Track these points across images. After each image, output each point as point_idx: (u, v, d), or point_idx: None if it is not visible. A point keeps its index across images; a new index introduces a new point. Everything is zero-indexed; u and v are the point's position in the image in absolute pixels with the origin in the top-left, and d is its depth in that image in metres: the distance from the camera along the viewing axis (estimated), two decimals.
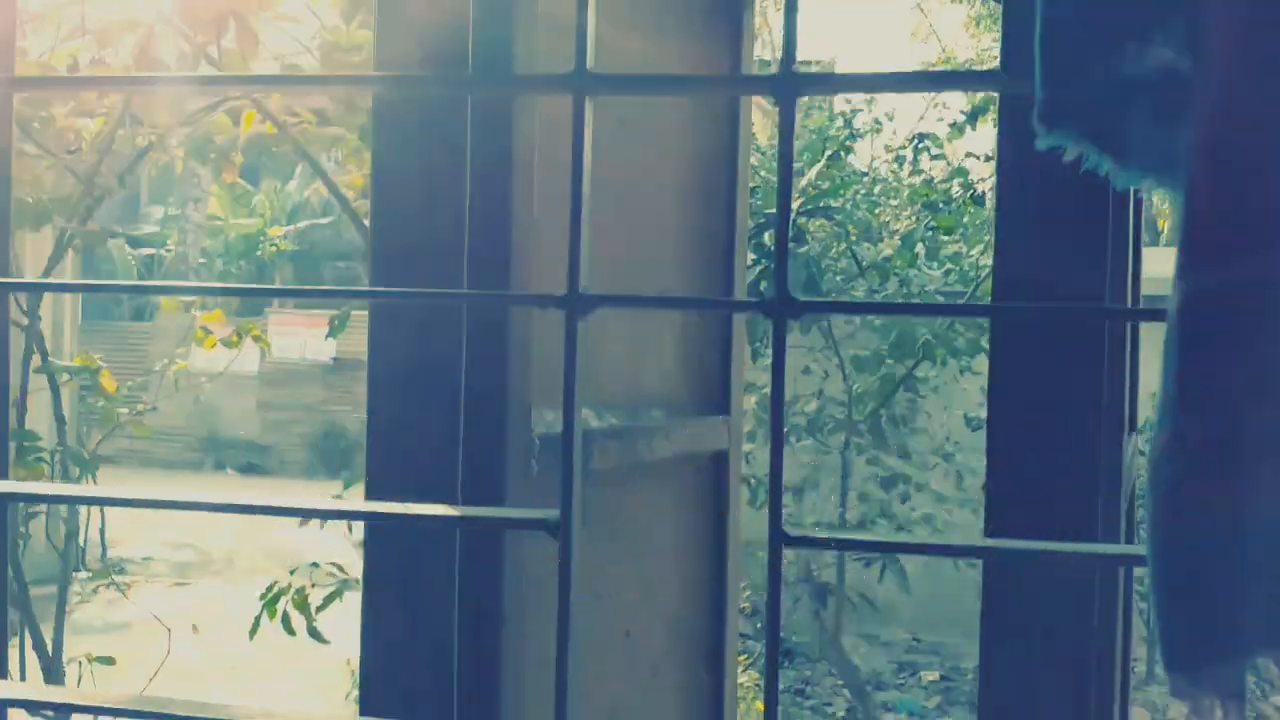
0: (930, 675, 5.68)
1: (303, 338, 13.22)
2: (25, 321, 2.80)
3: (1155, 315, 0.81)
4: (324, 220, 15.94)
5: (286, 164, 17.28)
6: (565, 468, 0.67)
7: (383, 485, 1.06)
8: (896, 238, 4.15)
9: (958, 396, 5.00)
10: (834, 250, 4.25)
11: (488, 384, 0.93)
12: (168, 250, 15.33)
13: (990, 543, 0.81)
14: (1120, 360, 1.16)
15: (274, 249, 16.26)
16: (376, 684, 1.12)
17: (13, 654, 3.01)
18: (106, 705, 0.73)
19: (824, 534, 4.25)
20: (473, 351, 0.91)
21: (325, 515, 0.73)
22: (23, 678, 2.95)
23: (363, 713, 1.19)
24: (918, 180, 4.12)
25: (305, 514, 0.67)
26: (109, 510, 3.78)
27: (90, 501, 0.73)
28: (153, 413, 3.39)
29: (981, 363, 4.73)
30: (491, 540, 1.03)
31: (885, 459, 4.03)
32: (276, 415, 13.78)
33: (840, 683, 5.54)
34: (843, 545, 0.65)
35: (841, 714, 5.04)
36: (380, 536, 1.09)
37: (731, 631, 1.56)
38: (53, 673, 3.21)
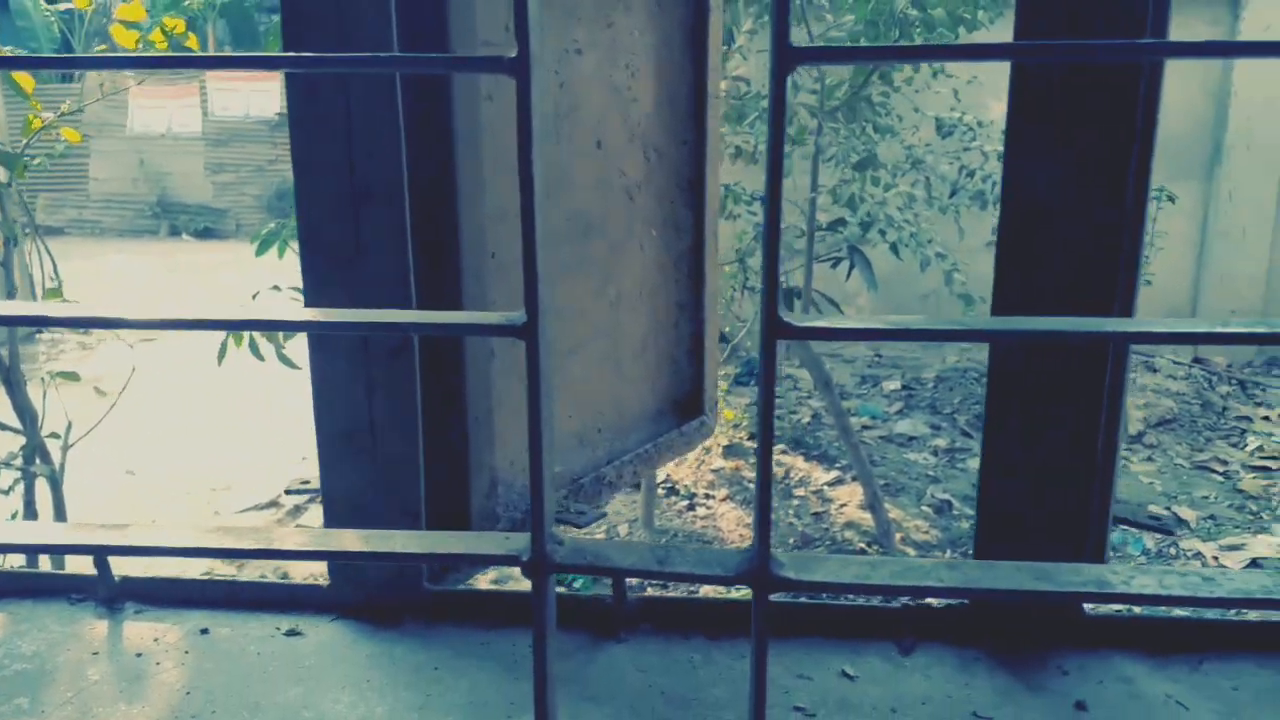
0: (891, 385, 5.85)
1: (245, 94, 12.55)
2: None
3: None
4: None
5: None
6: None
7: None
8: None
9: (930, 100, 4.82)
10: None
11: None
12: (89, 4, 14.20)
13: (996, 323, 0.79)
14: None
15: (201, 2, 15.21)
16: None
17: None
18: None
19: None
20: None
21: (284, 327, 0.60)
22: None
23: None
24: None
25: (272, 327, 0.54)
26: (65, 274, 3.65)
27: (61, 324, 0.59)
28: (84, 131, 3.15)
29: (958, 66, 4.51)
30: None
31: (853, 153, 3.90)
32: (226, 177, 13.31)
33: (804, 393, 5.70)
34: (838, 334, 0.57)
35: (807, 420, 5.21)
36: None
37: (712, 169, 1.48)
38: (12, 385, 3.16)
